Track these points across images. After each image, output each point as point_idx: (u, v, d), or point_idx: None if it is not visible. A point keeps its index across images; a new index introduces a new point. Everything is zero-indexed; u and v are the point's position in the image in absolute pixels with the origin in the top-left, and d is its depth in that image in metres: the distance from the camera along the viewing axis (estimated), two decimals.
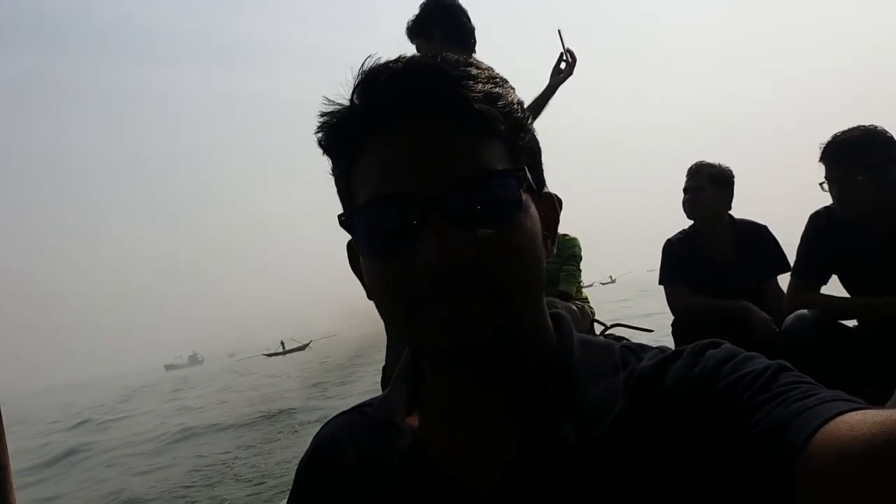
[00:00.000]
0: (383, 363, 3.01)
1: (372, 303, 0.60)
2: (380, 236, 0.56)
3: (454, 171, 0.54)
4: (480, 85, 0.57)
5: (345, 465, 0.65)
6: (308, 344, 64.91)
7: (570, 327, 0.65)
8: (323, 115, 0.60)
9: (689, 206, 3.23)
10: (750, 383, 0.50)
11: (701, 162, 3.25)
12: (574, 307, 3.04)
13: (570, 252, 3.23)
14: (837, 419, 0.43)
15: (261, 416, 13.07)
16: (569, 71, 2.96)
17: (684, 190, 3.25)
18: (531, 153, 0.62)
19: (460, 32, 2.75)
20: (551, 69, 2.99)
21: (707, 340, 0.59)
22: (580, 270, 3.24)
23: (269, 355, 62.58)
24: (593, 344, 0.64)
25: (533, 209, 0.59)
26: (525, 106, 0.62)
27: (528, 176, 0.58)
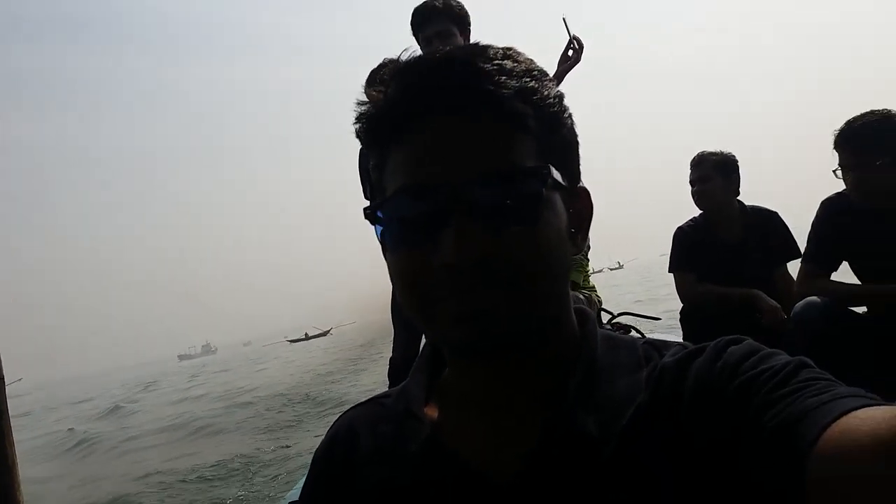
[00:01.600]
0: (390, 355, 3.04)
1: (386, 294, 0.61)
2: (404, 227, 0.57)
3: (481, 165, 0.55)
4: (515, 80, 0.57)
5: (362, 455, 0.65)
6: (329, 330, 66.17)
7: (594, 323, 0.65)
8: (360, 104, 0.61)
9: (699, 198, 3.22)
10: (769, 379, 0.50)
11: (703, 152, 3.24)
12: (581, 296, 3.03)
13: None
14: (851, 415, 0.43)
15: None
16: (576, 58, 2.95)
17: (691, 182, 3.23)
18: (566, 148, 0.61)
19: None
20: (559, 57, 2.98)
21: (730, 337, 0.60)
22: (588, 259, 3.23)
23: (293, 341, 64.35)
24: (617, 339, 0.64)
25: (560, 205, 0.59)
26: (563, 99, 0.62)
27: (555, 173, 0.58)
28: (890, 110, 2.36)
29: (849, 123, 2.41)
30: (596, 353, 0.61)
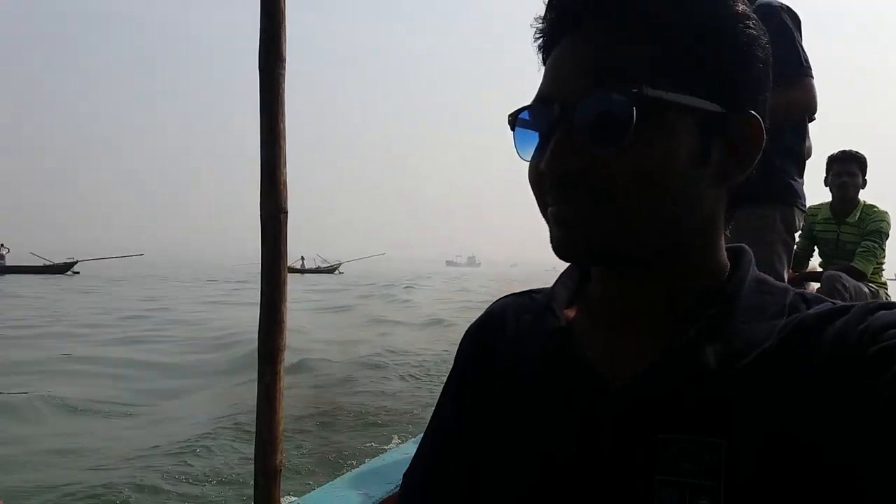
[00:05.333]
0: None
1: None
2: (526, 136, 0.61)
3: (589, 81, 0.56)
4: None
5: (503, 340, 0.70)
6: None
7: (749, 262, 0.63)
8: (536, 19, 0.63)
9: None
10: None
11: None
12: (865, 289, 2.87)
13: (874, 226, 3.12)
14: None
15: None
16: None
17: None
18: (722, 66, 0.57)
19: None
20: None
21: (886, 301, 0.56)
22: (884, 250, 3.10)
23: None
24: (769, 285, 0.62)
25: (682, 129, 0.56)
26: (736, 19, 0.58)
27: (662, 93, 0.54)
28: None
29: None
30: (740, 290, 0.60)
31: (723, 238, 0.64)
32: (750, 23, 0.59)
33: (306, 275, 48.92)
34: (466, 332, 0.76)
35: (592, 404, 0.58)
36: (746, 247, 0.66)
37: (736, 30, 0.58)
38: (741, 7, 0.59)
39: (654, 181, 0.55)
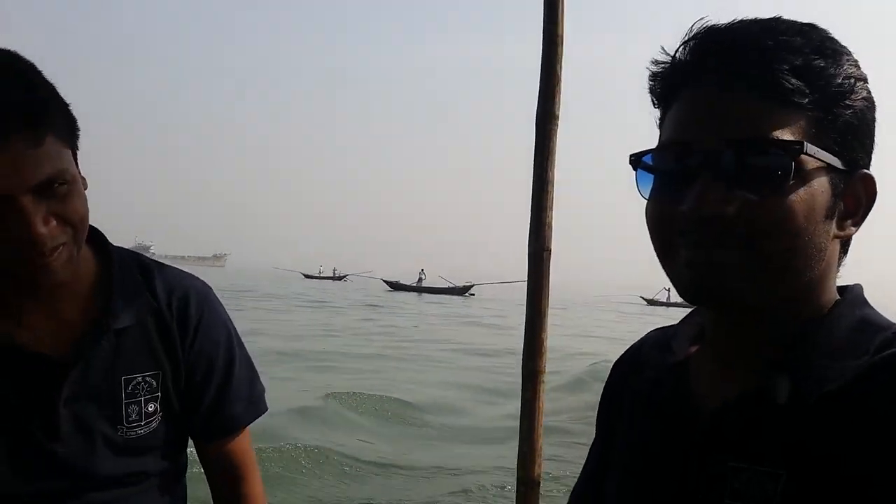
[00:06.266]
0: None
1: None
2: (658, 178, 0.64)
3: (736, 132, 0.59)
4: (796, 56, 0.58)
5: (639, 371, 0.77)
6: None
7: (852, 301, 0.65)
8: (653, 62, 0.66)
9: None
10: None
11: None
12: None
13: None
14: None
15: None
16: None
17: None
18: (847, 130, 0.60)
19: None
20: None
21: None
22: None
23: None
24: (871, 322, 0.63)
25: (822, 185, 0.59)
26: (857, 81, 0.61)
27: (816, 151, 0.58)
28: None
29: None
30: (830, 329, 0.62)
31: (834, 279, 0.66)
32: (868, 85, 0.62)
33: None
34: (614, 363, 0.86)
35: (685, 431, 0.66)
36: (858, 285, 0.67)
37: (861, 93, 0.61)
38: (861, 70, 0.62)
39: (797, 231, 0.59)
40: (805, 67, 0.58)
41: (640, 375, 0.76)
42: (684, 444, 0.65)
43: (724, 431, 0.62)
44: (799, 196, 0.58)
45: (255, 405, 1.16)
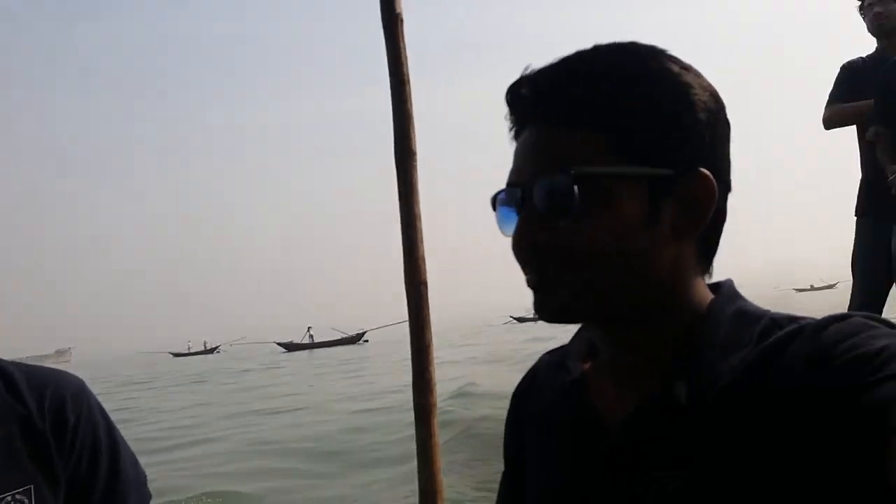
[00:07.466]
0: None
1: None
2: (501, 215, 0.69)
3: (541, 165, 0.63)
4: (583, 83, 0.63)
5: (537, 393, 0.80)
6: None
7: (726, 296, 0.67)
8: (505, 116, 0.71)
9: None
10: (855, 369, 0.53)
11: None
12: None
13: None
14: None
15: None
16: None
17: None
18: (661, 137, 0.62)
19: None
20: None
21: (839, 313, 0.59)
22: None
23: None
24: (748, 315, 0.65)
25: (629, 198, 0.62)
26: (665, 94, 0.64)
27: (606, 170, 0.61)
28: None
29: None
30: (713, 327, 0.64)
31: (699, 279, 0.68)
32: (684, 85, 0.65)
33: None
34: (513, 393, 0.87)
35: (594, 449, 0.67)
36: (728, 280, 0.70)
37: (670, 97, 0.64)
38: (676, 70, 0.65)
39: (606, 247, 0.62)
40: (592, 91, 0.62)
41: (540, 400, 0.78)
42: (593, 460, 0.66)
43: (630, 442, 0.63)
44: (601, 215, 0.61)
45: (143, 492, 1.07)
